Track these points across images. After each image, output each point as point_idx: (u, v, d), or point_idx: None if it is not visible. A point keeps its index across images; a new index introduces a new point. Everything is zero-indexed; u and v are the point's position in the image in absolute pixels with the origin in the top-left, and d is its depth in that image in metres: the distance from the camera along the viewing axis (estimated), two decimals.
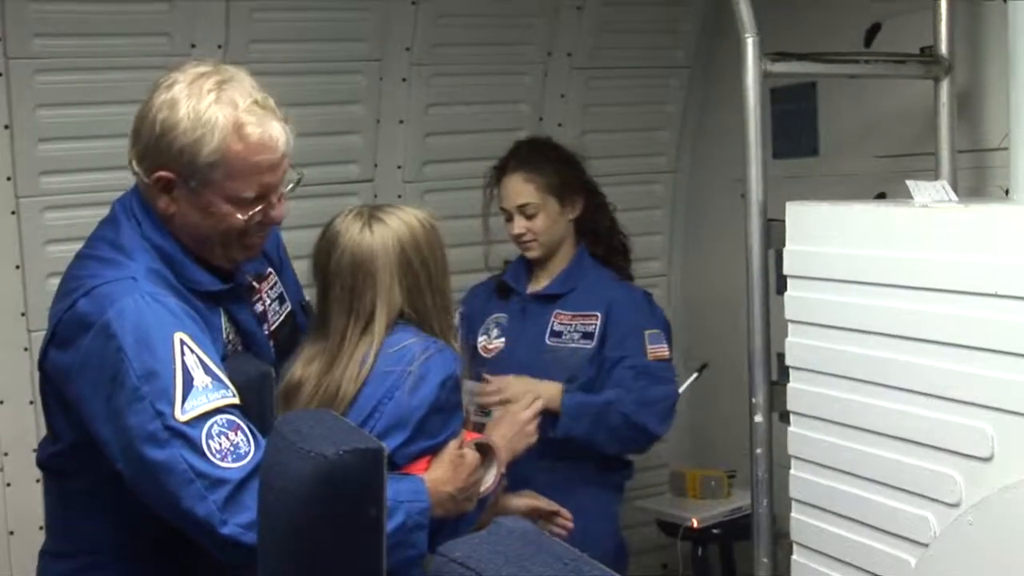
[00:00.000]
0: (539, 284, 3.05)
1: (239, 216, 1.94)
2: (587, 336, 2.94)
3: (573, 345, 2.94)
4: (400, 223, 2.14)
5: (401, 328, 2.13)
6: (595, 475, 2.96)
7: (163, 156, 1.90)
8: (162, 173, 1.91)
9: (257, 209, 1.96)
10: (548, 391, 2.83)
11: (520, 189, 2.96)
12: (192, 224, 1.96)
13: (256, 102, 1.92)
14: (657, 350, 2.94)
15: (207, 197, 1.92)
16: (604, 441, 2.88)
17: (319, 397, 2.09)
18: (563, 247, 3.02)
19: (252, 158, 1.91)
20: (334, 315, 2.14)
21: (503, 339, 3.03)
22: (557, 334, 2.97)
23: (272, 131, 1.92)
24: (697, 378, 3.07)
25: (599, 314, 2.94)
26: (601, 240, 3.06)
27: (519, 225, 2.97)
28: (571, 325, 2.96)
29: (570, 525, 2.54)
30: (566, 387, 2.87)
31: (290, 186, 2.04)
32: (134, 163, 1.95)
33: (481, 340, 3.05)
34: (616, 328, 2.93)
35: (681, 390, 2.97)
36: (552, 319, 2.98)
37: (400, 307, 2.13)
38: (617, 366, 2.90)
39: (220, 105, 1.89)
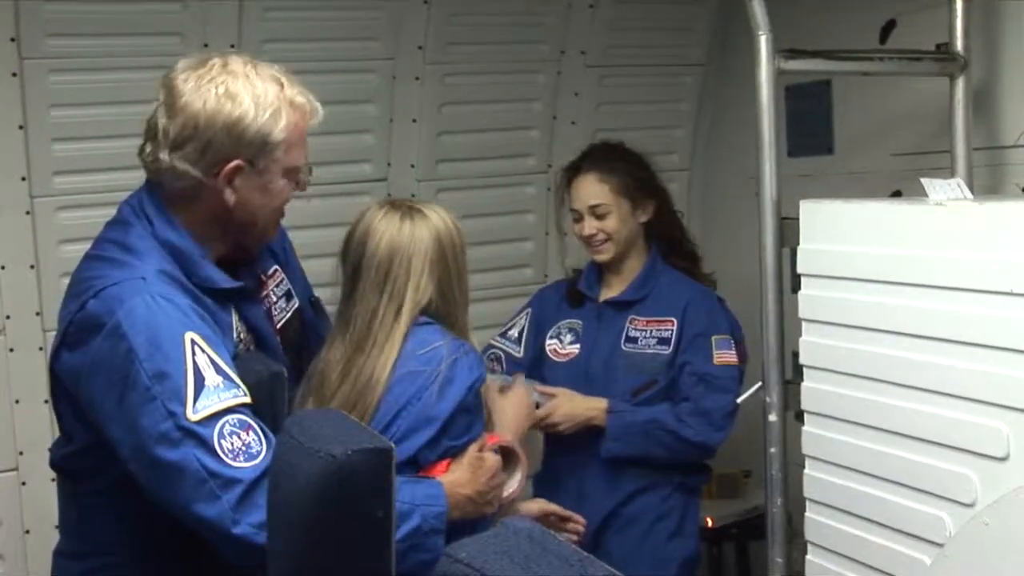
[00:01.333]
0: (613, 290, 3.04)
1: (288, 189, 2.02)
2: (663, 342, 2.94)
3: (650, 351, 2.95)
4: (438, 218, 2.19)
5: (429, 326, 2.14)
6: (676, 480, 2.97)
7: (234, 145, 1.92)
8: (235, 162, 1.93)
9: (299, 176, 2.03)
10: (595, 409, 2.89)
11: (594, 190, 2.96)
12: (252, 210, 2.00)
13: (282, 72, 2.00)
14: (724, 355, 2.93)
15: (268, 175, 1.97)
16: (660, 457, 2.91)
17: (351, 380, 2.10)
18: (634, 251, 3.01)
19: (302, 125, 1.99)
20: (364, 299, 2.15)
21: (577, 345, 3.02)
22: (633, 339, 2.97)
23: (309, 96, 2.00)
24: (761, 387, 3.05)
25: (675, 319, 2.94)
26: (673, 249, 3.06)
27: (590, 226, 2.97)
28: (647, 331, 2.96)
29: (581, 529, 2.55)
30: (612, 405, 2.89)
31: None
32: (187, 167, 1.93)
33: (552, 344, 3.05)
34: (687, 332, 2.94)
35: (741, 400, 2.93)
36: (627, 324, 2.98)
37: (430, 296, 2.15)
38: (682, 372, 2.91)
39: (268, 83, 1.95)
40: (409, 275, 2.14)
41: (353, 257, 2.18)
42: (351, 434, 1.53)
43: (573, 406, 2.90)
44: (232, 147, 1.93)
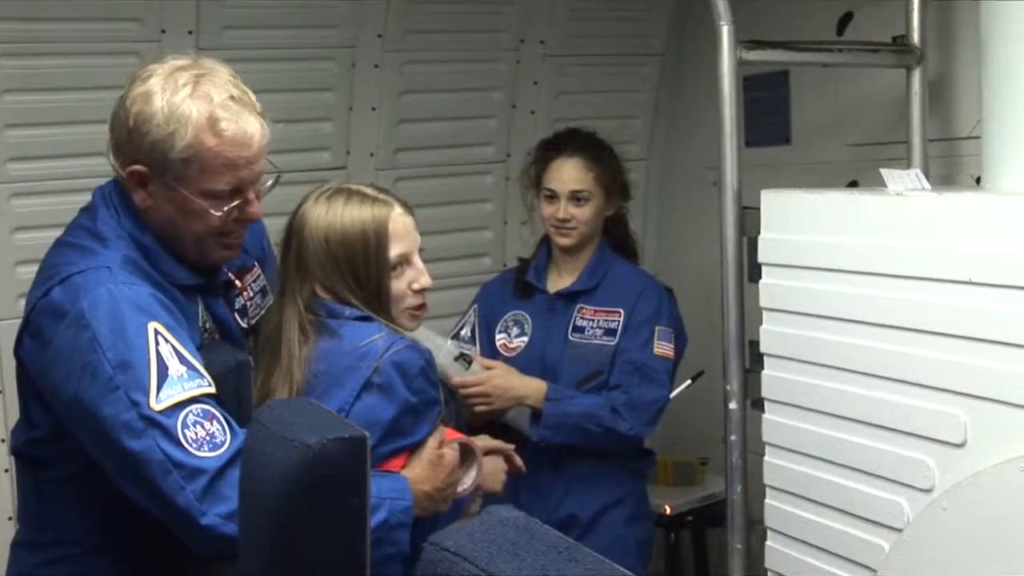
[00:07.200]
0: (562, 281, 3.03)
1: (214, 212, 1.92)
2: (610, 333, 2.93)
3: (596, 342, 2.93)
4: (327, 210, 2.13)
5: (367, 322, 2.09)
6: (621, 466, 2.97)
7: (137, 150, 1.88)
8: (136, 167, 1.90)
9: (233, 204, 1.93)
10: (531, 390, 2.85)
11: (579, 175, 2.94)
12: (169, 220, 1.94)
13: (232, 97, 1.89)
14: (663, 347, 2.92)
15: (182, 193, 1.90)
16: (585, 445, 2.88)
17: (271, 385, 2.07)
18: (590, 243, 3.00)
19: (226, 153, 1.88)
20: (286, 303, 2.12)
21: (524, 337, 3.00)
22: (580, 329, 2.95)
23: (248, 127, 1.90)
24: (689, 386, 3.07)
25: (623, 310, 2.93)
26: (618, 244, 3.06)
27: (565, 210, 2.94)
28: (594, 320, 2.95)
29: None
30: (550, 391, 2.86)
31: (268, 183, 2.02)
32: (111, 155, 1.93)
33: (500, 338, 3.03)
34: (634, 319, 2.92)
35: (673, 395, 2.95)
36: (575, 313, 2.96)
37: (342, 293, 2.11)
38: (619, 358, 2.90)
39: (194, 99, 1.87)
40: (315, 277, 2.11)
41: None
42: (325, 423, 1.52)
43: (509, 380, 2.84)
44: (136, 151, 1.89)
